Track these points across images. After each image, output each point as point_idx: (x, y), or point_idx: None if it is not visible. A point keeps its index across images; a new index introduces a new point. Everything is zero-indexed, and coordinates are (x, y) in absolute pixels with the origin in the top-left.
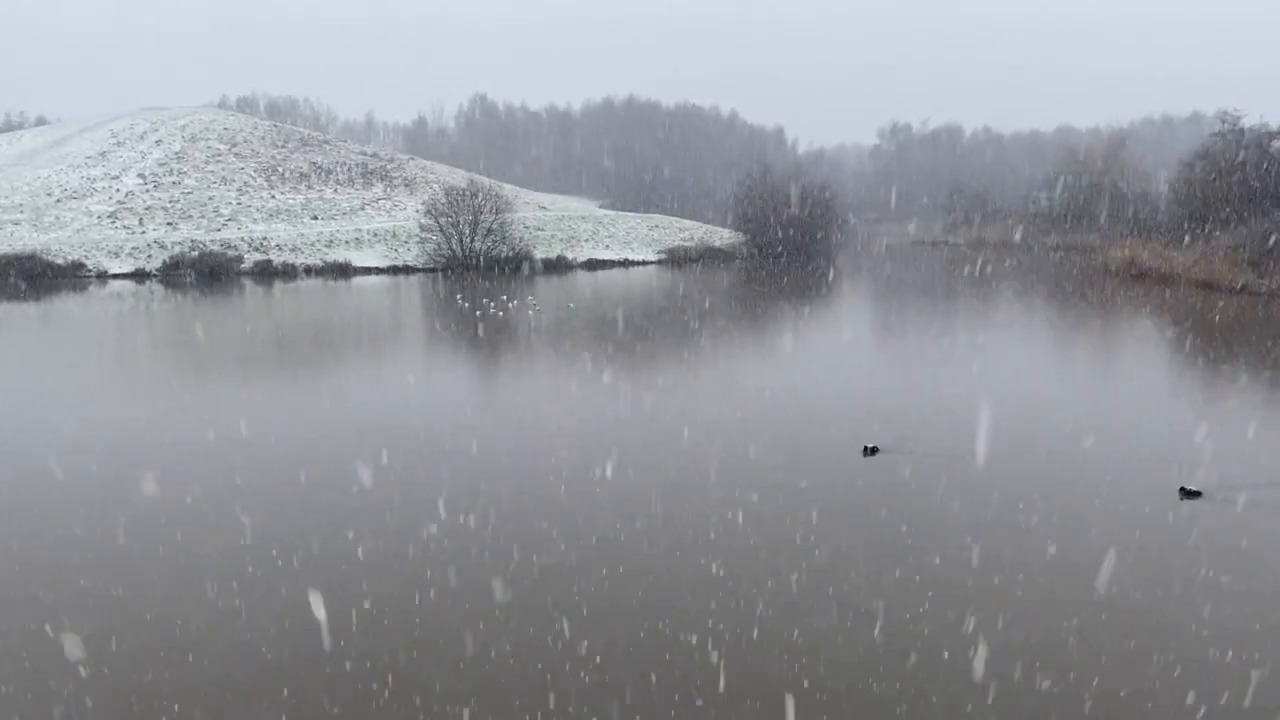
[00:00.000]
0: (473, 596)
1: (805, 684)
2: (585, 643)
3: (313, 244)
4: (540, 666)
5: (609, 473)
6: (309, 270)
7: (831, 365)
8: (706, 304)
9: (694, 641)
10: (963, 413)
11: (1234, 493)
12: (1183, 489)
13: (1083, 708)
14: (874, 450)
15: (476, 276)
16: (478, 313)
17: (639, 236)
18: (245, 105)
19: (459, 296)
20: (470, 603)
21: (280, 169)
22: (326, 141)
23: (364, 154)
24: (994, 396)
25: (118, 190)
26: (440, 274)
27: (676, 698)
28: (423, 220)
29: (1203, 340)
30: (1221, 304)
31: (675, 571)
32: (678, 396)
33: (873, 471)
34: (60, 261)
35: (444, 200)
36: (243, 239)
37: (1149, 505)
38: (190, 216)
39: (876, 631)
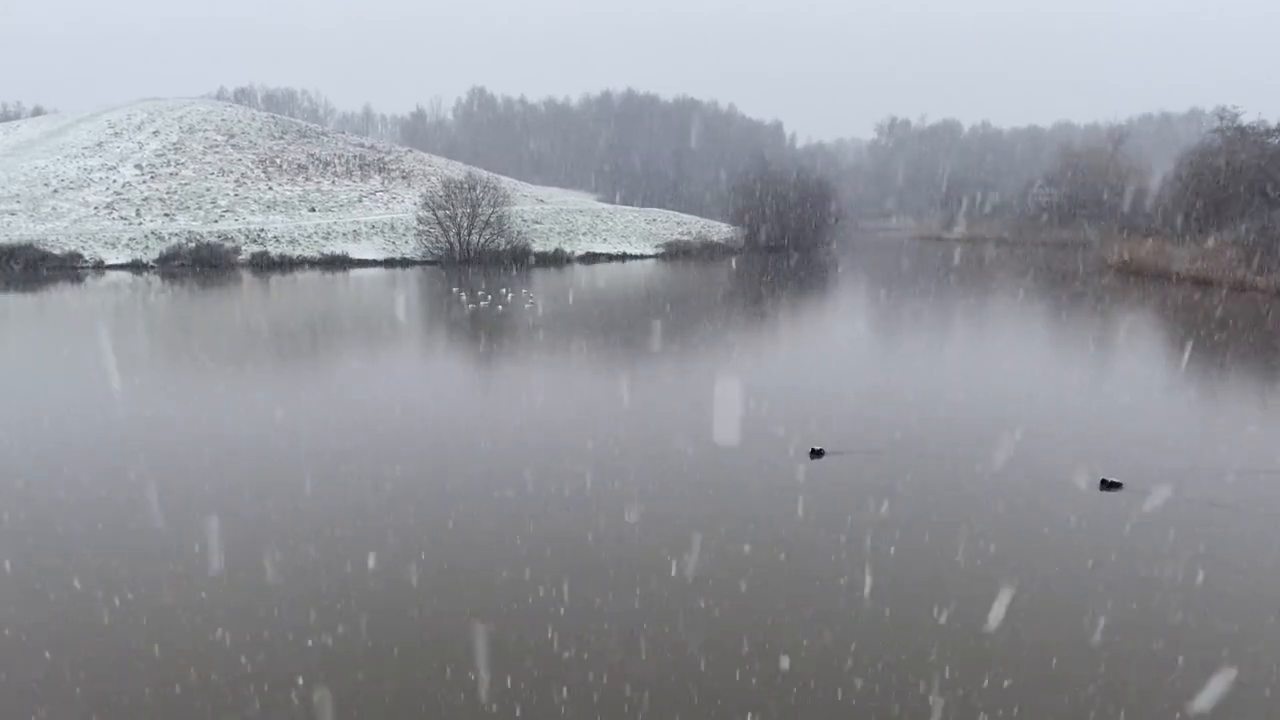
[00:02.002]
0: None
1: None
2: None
3: (310, 236)
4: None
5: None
6: (306, 262)
7: (805, 363)
8: (698, 300)
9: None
10: (922, 412)
11: (1154, 484)
12: (1103, 480)
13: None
14: (820, 453)
15: (474, 270)
16: (470, 306)
17: (637, 230)
18: (243, 97)
19: (455, 289)
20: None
21: (278, 161)
22: (324, 133)
23: (362, 146)
24: (955, 394)
25: (115, 181)
26: (438, 267)
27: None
28: (420, 213)
29: (1184, 337)
30: (1215, 301)
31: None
32: (647, 391)
33: (818, 473)
34: (57, 252)
35: (442, 193)
36: (240, 230)
37: (1070, 496)
38: (187, 208)
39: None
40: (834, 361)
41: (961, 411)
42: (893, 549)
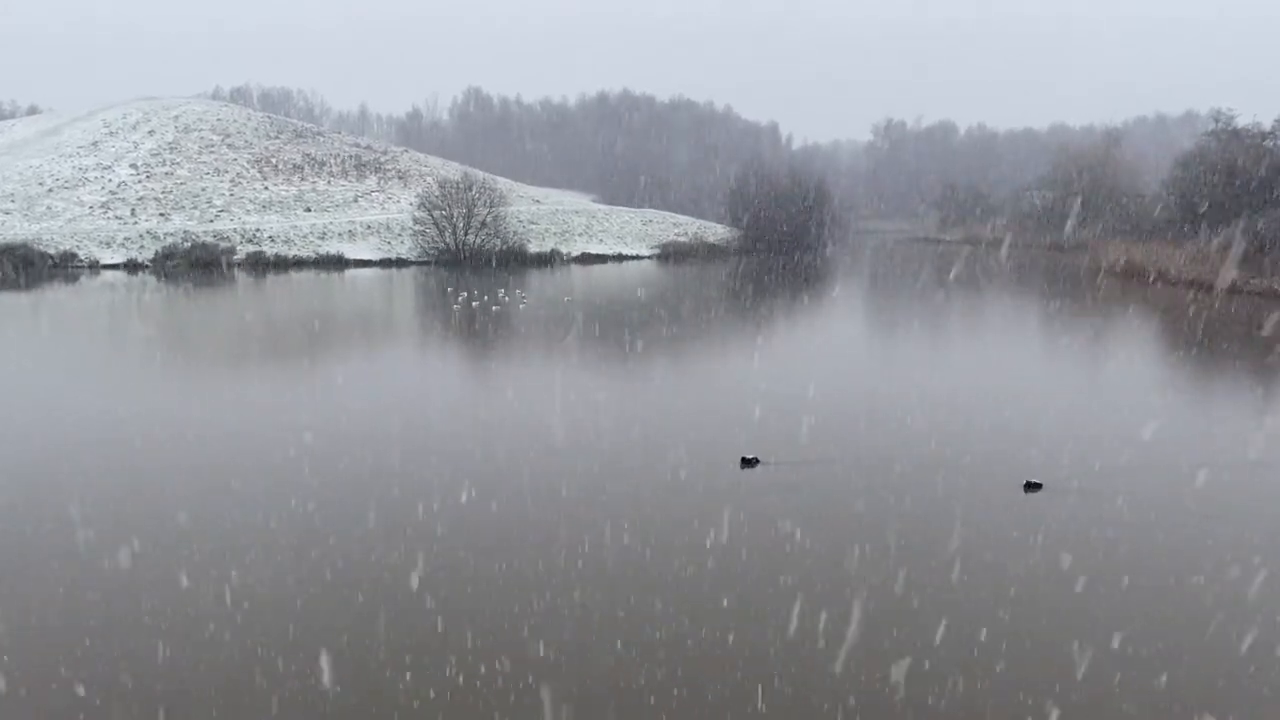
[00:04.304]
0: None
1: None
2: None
3: (305, 236)
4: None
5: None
6: (301, 262)
7: (780, 368)
8: (688, 303)
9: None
10: (879, 418)
11: (1074, 484)
12: (1027, 482)
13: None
14: (754, 461)
15: (470, 270)
16: (455, 307)
17: (633, 231)
18: (239, 96)
19: (450, 290)
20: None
21: (273, 160)
22: (320, 133)
23: (358, 146)
24: (920, 399)
25: (110, 180)
26: (433, 267)
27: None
28: (416, 213)
29: (1168, 340)
30: (1208, 304)
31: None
32: (613, 393)
33: (747, 482)
34: (52, 251)
35: (437, 193)
36: (235, 230)
37: (995, 497)
38: (183, 207)
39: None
40: (810, 367)
41: (921, 417)
42: (774, 558)
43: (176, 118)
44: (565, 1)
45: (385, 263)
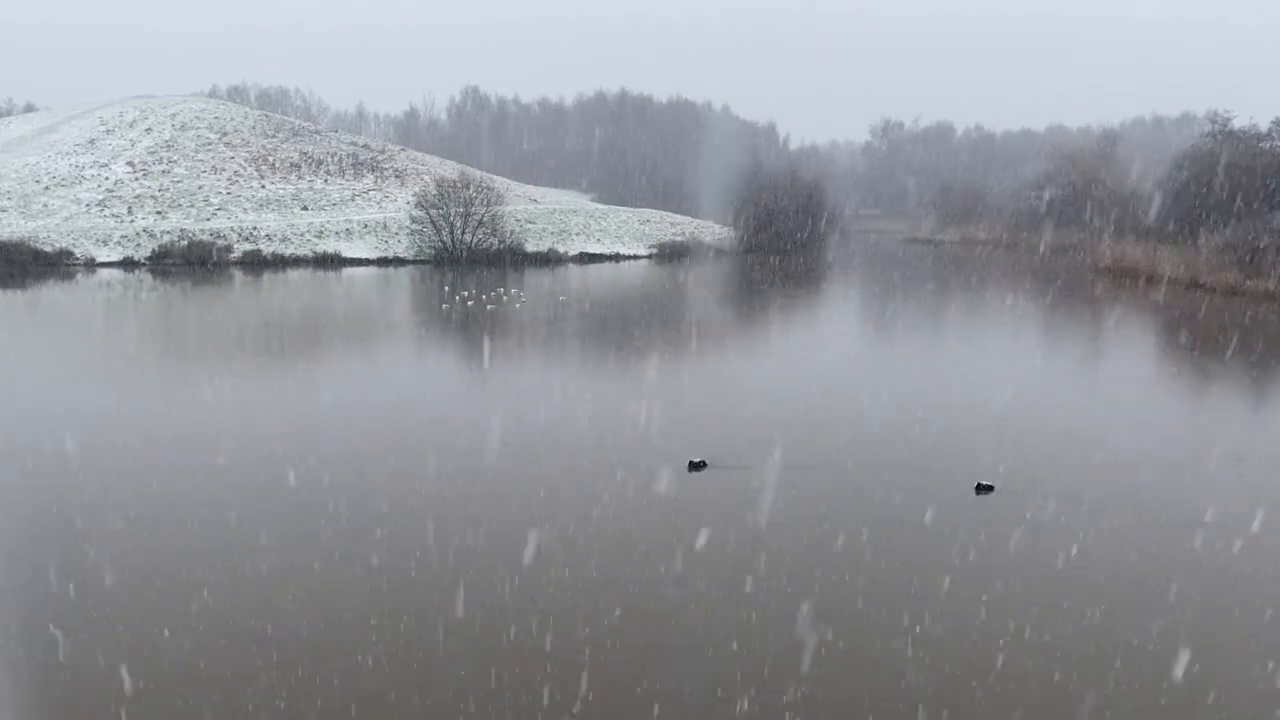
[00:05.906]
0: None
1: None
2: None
3: (302, 235)
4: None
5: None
6: (298, 261)
7: (757, 372)
8: (681, 305)
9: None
10: (847, 421)
11: (1026, 486)
12: (978, 484)
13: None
14: (701, 465)
15: (467, 269)
16: (445, 305)
17: (630, 231)
18: (236, 94)
19: (446, 289)
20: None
21: (270, 159)
22: (317, 132)
23: (355, 145)
24: (890, 402)
25: (107, 178)
26: (430, 266)
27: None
28: (413, 212)
29: (1157, 342)
30: (1202, 305)
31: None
32: (584, 395)
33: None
34: (48, 249)
35: (435, 192)
36: (232, 229)
37: (948, 499)
38: (180, 205)
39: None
40: (789, 371)
41: (892, 419)
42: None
43: (173, 116)
44: (563, 1)
45: (382, 261)
